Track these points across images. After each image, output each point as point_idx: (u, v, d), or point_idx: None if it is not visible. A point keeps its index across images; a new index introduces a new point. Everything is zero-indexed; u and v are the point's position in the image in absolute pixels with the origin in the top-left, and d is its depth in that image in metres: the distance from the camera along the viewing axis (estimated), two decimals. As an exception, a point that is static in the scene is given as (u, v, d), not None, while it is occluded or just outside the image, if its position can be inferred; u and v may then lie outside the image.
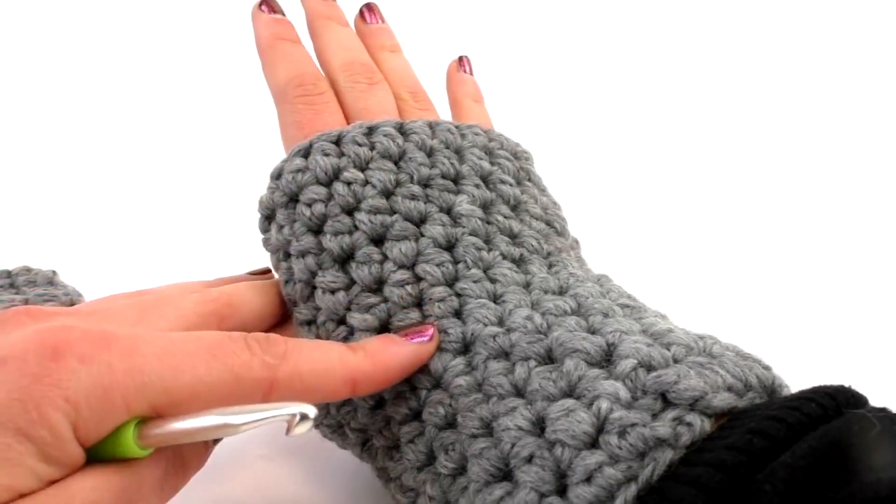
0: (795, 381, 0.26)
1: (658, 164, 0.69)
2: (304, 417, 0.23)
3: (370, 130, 0.32)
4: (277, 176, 0.32)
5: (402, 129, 0.33)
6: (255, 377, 0.24)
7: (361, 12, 0.42)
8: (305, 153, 0.32)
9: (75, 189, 0.66)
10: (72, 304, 0.46)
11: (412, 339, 0.28)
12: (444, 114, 0.40)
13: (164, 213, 0.63)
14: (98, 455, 0.22)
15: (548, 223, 0.33)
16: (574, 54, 0.85)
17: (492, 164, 0.33)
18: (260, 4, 0.38)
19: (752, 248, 0.56)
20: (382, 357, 0.27)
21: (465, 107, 0.41)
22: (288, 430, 0.23)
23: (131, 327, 0.26)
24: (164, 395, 0.23)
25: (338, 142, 0.32)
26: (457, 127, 0.34)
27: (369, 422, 0.30)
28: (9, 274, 0.53)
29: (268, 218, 0.33)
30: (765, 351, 0.27)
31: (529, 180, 0.35)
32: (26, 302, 0.45)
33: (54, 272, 0.53)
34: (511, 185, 0.33)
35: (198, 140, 0.71)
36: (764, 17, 0.88)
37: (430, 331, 0.28)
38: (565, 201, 0.37)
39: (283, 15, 0.39)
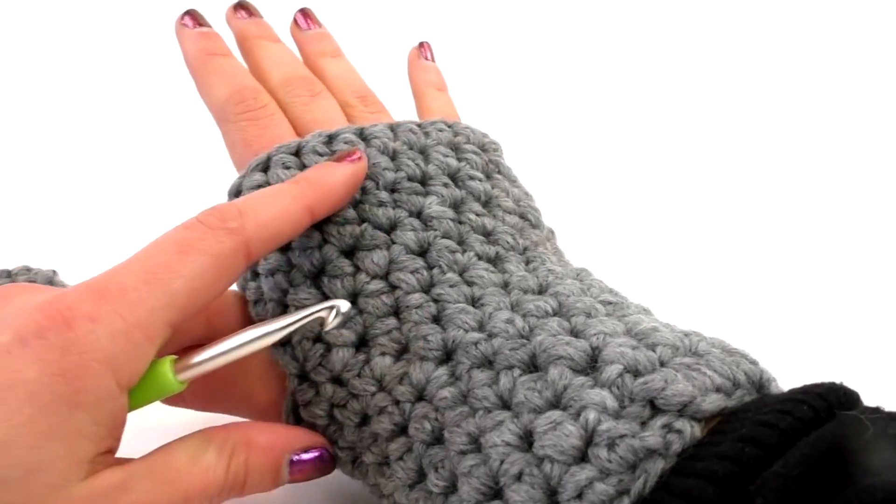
0: (784, 374, 0.26)
1: (639, 153, 0.68)
2: (337, 312, 0.26)
3: (330, 139, 0.31)
4: (236, 193, 0.31)
5: (362, 135, 0.32)
6: (229, 247, 0.26)
7: (296, 19, 0.40)
8: (265, 167, 0.31)
9: (75, 189, 0.66)
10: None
11: (344, 160, 0.30)
12: (408, 106, 0.39)
13: (164, 213, 0.63)
14: (140, 401, 0.25)
15: (521, 216, 0.32)
16: (550, 42, 0.84)
17: (459, 160, 0.32)
18: (182, 18, 0.37)
19: (735, 240, 0.56)
20: (326, 181, 0.29)
21: (428, 96, 0.39)
22: (325, 326, 0.27)
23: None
24: (170, 310, 0.24)
25: (297, 153, 0.31)
26: (419, 126, 0.33)
27: (356, 439, 0.29)
28: (9, 274, 0.53)
29: None
30: (750, 344, 0.27)
31: (499, 172, 0.34)
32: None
33: (54, 272, 0.53)
34: (480, 180, 0.32)
35: (199, 141, 0.70)
36: (757, 16, 0.87)
37: (358, 153, 0.30)
38: (543, 193, 0.36)
39: (210, 27, 0.37)
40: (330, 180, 0.29)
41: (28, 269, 0.54)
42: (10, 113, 0.75)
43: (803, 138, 0.69)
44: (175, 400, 0.31)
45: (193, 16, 0.37)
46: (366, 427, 0.29)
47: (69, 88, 0.79)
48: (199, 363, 0.25)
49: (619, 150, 0.68)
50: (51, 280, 0.52)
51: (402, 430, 0.27)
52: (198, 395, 0.31)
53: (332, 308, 0.26)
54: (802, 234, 0.56)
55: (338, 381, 0.29)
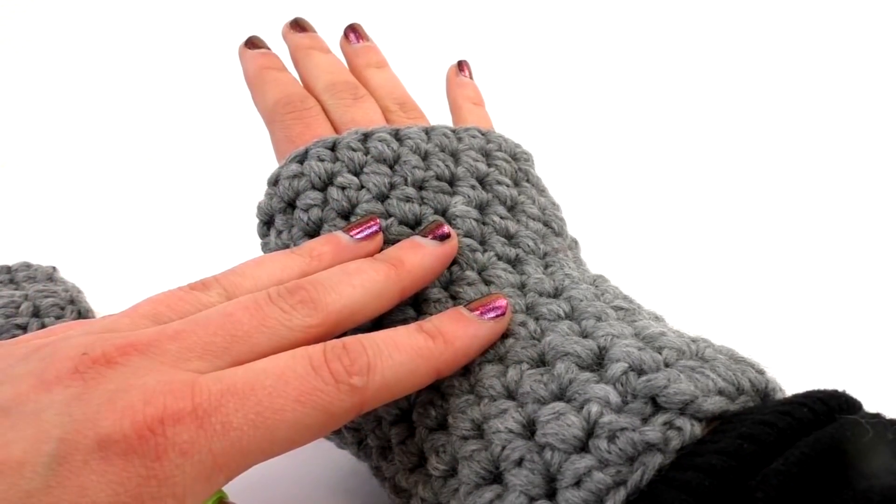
0: (793, 383, 0.26)
1: (658, 166, 0.69)
2: None
3: (365, 137, 0.33)
4: (275, 182, 0.33)
5: (397, 135, 0.33)
6: (346, 407, 0.23)
7: (346, 34, 0.42)
8: (301, 159, 0.32)
9: (75, 185, 0.66)
10: (71, 300, 0.46)
11: (485, 315, 0.27)
12: (445, 121, 0.40)
13: (164, 210, 0.63)
14: None
15: (545, 223, 0.33)
16: (575, 57, 0.85)
17: (488, 165, 0.33)
18: (246, 43, 0.40)
19: (749, 250, 0.56)
20: (463, 342, 0.26)
21: (465, 110, 0.41)
22: None
23: (218, 365, 0.24)
24: (260, 455, 0.22)
25: (333, 147, 0.32)
26: (453, 131, 0.34)
27: (363, 421, 0.30)
28: (9, 270, 0.53)
29: (266, 223, 0.33)
30: (761, 352, 0.27)
31: (528, 181, 0.35)
32: (26, 298, 0.45)
33: (54, 268, 0.53)
34: (508, 185, 0.33)
35: (199, 139, 0.71)
36: (763, 17, 0.88)
37: (504, 303, 0.27)
38: (566, 203, 0.37)
39: (269, 49, 0.40)
40: (467, 342, 0.26)
41: (28, 266, 0.54)
42: (10, 112, 0.76)
43: (816, 144, 0.70)
44: None
45: (254, 42, 0.40)
46: (372, 411, 0.29)
47: (71, 88, 0.80)
48: None
49: (649, 168, 0.68)
50: (51, 276, 0.52)
51: (405, 415, 0.28)
52: None
53: None
54: (817, 240, 0.56)
55: None
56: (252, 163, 0.45)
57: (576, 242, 0.35)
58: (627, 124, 0.75)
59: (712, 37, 0.87)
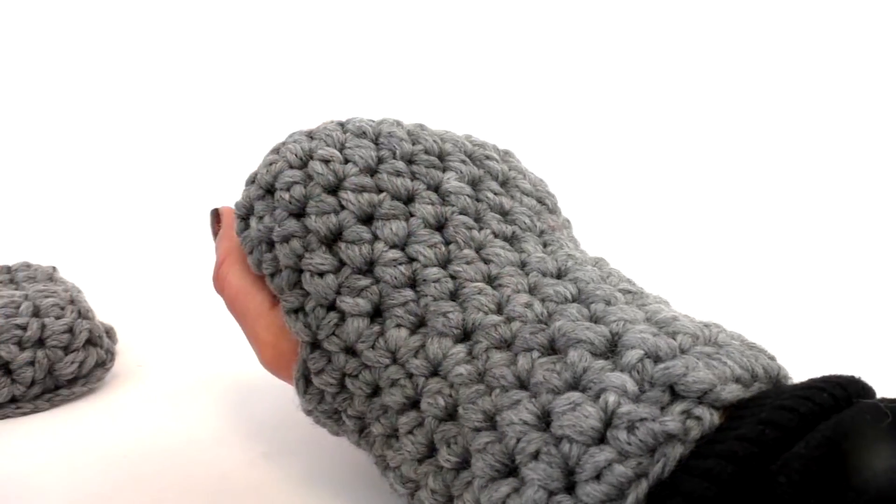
0: (796, 372, 0.26)
1: (655, 153, 0.69)
2: None
3: (342, 126, 0.32)
4: (252, 180, 0.32)
5: (374, 125, 0.32)
6: None
7: None
8: (276, 149, 0.32)
9: (75, 185, 0.66)
10: (71, 300, 0.46)
11: None
12: None
13: (163, 210, 0.63)
14: None
15: (539, 200, 0.32)
16: (569, 52, 0.85)
17: (474, 145, 0.33)
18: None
19: (750, 238, 0.56)
20: None
21: None
22: None
23: None
24: None
25: (309, 135, 0.32)
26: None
27: (366, 409, 0.29)
28: (9, 269, 0.53)
29: (244, 217, 0.32)
30: (765, 340, 0.27)
31: (516, 167, 0.34)
32: (26, 298, 0.45)
33: (54, 268, 0.53)
34: (497, 161, 0.32)
35: (197, 137, 0.70)
36: (762, 17, 0.88)
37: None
38: (565, 199, 0.36)
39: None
40: None
41: (28, 266, 0.53)
42: (10, 112, 0.75)
43: (814, 138, 0.69)
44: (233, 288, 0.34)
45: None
46: (376, 398, 0.28)
47: (71, 88, 0.80)
48: None
49: (646, 155, 0.68)
50: (51, 276, 0.52)
51: (413, 404, 0.27)
52: (237, 299, 0.34)
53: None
54: (820, 233, 0.56)
55: (351, 351, 0.29)
56: (252, 163, 0.45)
57: (568, 222, 0.35)
58: (626, 122, 0.74)
59: (712, 35, 0.86)
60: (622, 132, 0.72)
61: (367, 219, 0.29)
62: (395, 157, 0.30)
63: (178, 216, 0.61)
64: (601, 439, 0.21)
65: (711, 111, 0.74)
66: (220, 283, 0.34)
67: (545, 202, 0.32)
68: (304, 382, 0.30)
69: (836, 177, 0.64)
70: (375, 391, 0.28)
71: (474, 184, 0.31)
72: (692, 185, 0.64)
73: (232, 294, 0.34)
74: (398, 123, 0.32)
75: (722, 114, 0.74)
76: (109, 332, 0.50)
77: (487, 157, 0.32)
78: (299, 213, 0.30)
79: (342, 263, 0.29)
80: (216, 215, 0.37)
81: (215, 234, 0.37)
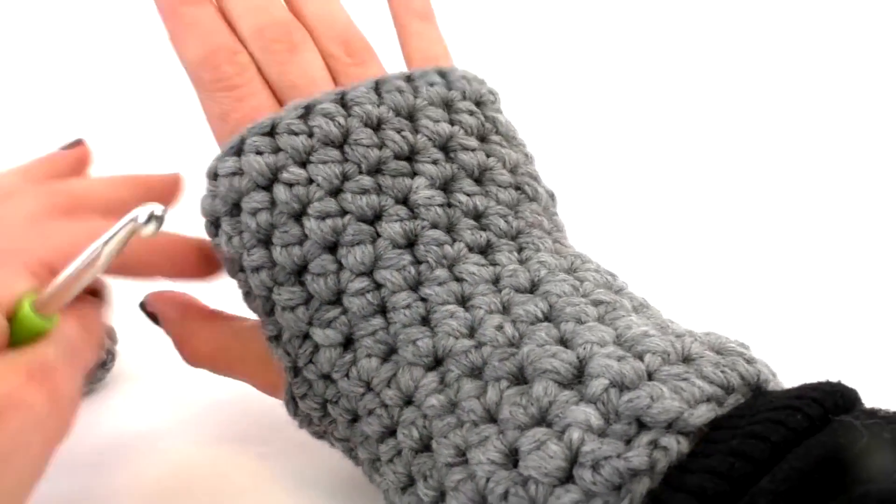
0: (784, 366, 0.26)
1: (651, 150, 0.68)
2: (151, 218, 0.23)
3: (306, 111, 0.29)
4: (213, 177, 0.30)
5: (343, 101, 0.29)
6: None
7: None
8: (238, 150, 0.29)
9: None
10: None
11: None
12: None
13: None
14: (20, 341, 0.25)
15: (517, 187, 0.30)
16: (569, 45, 0.83)
17: (451, 123, 0.30)
18: None
19: (742, 235, 0.56)
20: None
21: (411, 31, 0.35)
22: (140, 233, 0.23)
23: None
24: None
25: (272, 132, 0.29)
26: (408, 80, 0.31)
27: (350, 434, 0.29)
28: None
29: (213, 224, 0.31)
30: (753, 342, 0.26)
31: (497, 133, 0.31)
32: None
33: (51, 270, 0.53)
34: (474, 150, 0.30)
35: (197, 137, 0.70)
36: (761, 16, 0.85)
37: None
38: (562, 196, 0.34)
39: None
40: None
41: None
42: (10, 111, 0.75)
43: (810, 135, 0.69)
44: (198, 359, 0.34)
45: None
46: (357, 425, 0.28)
47: (71, 87, 0.79)
48: (50, 294, 0.25)
49: (641, 152, 0.67)
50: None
51: (391, 432, 0.27)
52: (216, 360, 0.34)
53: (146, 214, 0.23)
54: (812, 229, 0.56)
55: (329, 378, 0.29)
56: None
57: (553, 197, 0.33)
58: (625, 120, 0.73)
59: (711, 33, 0.84)
60: (621, 131, 0.71)
61: (332, 246, 0.28)
62: (360, 172, 0.29)
63: (178, 216, 0.61)
64: (568, 478, 0.21)
65: (711, 111, 0.73)
66: (192, 360, 0.35)
67: (524, 189, 0.31)
68: (294, 405, 0.30)
69: (836, 177, 0.63)
70: (355, 418, 0.28)
71: (446, 186, 0.29)
72: (691, 184, 0.63)
73: (209, 359, 0.34)
74: (369, 106, 0.30)
75: (721, 113, 0.73)
76: (109, 333, 0.50)
77: (464, 148, 0.30)
78: (267, 241, 0.29)
79: (311, 295, 0.28)
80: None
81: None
